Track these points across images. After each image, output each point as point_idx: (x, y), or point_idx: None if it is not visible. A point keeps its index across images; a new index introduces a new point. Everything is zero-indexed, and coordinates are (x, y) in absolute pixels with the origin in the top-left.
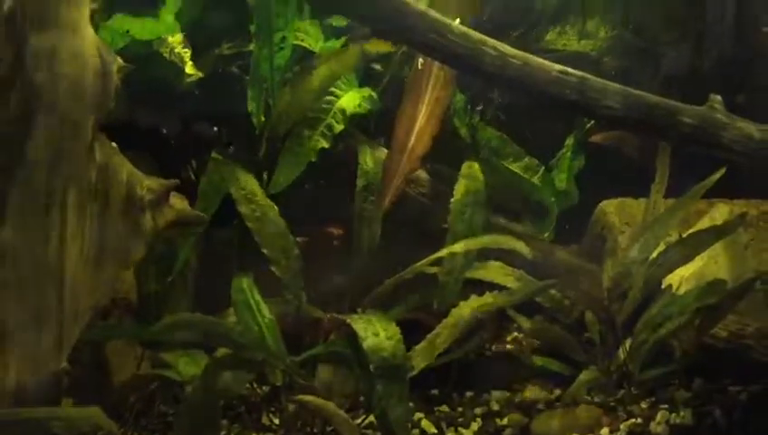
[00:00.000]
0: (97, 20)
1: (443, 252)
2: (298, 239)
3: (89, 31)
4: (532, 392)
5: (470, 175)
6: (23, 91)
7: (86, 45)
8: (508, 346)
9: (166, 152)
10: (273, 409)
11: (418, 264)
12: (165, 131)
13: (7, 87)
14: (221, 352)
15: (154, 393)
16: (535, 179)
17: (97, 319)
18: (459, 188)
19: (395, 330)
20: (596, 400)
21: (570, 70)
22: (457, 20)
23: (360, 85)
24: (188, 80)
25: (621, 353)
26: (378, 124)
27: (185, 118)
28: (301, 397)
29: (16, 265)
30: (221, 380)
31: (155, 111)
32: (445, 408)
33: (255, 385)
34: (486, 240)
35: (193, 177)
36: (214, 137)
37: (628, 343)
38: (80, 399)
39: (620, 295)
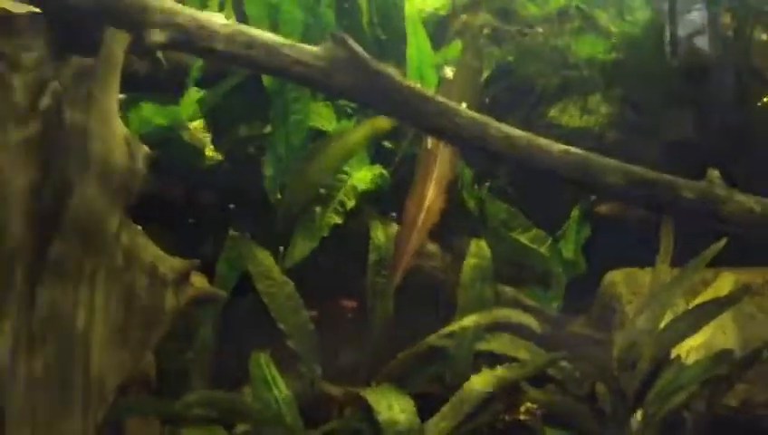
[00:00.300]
0: (124, 109)
1: (453, 326)
2: (312, 313)
3: (117, 120)
4: None
5: (477, 253)
6: (60, 171)
7: (115, 135)
8: (521, 416)
9: (185, 229)
10: None
11: (430, 337)
12: (185, 209)
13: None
14: (240, 428)
15: None
16: (543, 250)
17: (118, 397)
18: (468, 265)
19: (409, 403)
20: None
21: (572, 148)
22: (464, 104)
23: (372, 162)
24: (208, 163)
25: (633, 425)
26: (390, 199)
27: (204, 196)
28: None
29: (46, 351)
30: None
31: (176, 190)
32: None
33: None
34: (496, 314)
35: (210, 253)
36: (231, 214)
37: (639, 413)
38: None
39: (630, 366)
